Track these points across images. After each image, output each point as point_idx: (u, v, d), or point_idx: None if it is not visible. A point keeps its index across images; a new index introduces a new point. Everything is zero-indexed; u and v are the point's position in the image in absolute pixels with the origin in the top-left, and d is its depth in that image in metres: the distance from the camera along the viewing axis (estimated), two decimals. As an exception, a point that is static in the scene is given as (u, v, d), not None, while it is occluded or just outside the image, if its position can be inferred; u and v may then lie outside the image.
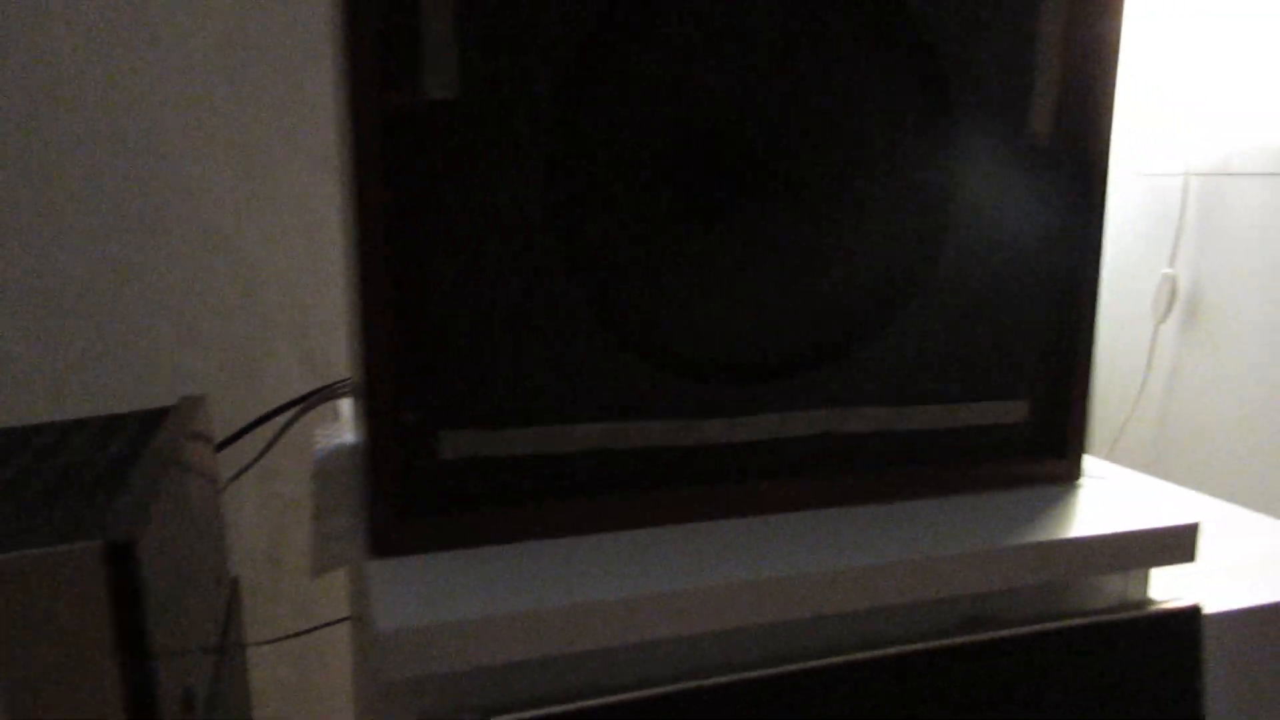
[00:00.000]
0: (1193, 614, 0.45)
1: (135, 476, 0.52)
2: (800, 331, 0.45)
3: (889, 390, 0.46)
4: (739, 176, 0.44)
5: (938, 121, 0.45)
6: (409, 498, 0.41)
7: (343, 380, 0.71)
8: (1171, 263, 0.98)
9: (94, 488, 0.52)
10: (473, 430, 0.41)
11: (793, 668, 0.39)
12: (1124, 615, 0.44)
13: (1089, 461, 0.54)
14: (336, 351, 0.84)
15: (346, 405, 0.69)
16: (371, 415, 0.39)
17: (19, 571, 0.37)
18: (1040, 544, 0.42)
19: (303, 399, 0.70)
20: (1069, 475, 0.49)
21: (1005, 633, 0.42)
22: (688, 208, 0.43)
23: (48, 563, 0.37)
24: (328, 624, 0.87)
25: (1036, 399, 0.49)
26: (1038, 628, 0.42)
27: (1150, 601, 0.46)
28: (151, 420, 0.64)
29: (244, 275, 0.82)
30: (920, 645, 0.41)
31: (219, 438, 0.80)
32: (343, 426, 0.65)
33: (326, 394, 0.70)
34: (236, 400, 0.82)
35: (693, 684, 0.37)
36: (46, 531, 0.41)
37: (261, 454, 0.71)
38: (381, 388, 0.39)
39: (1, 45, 0.73)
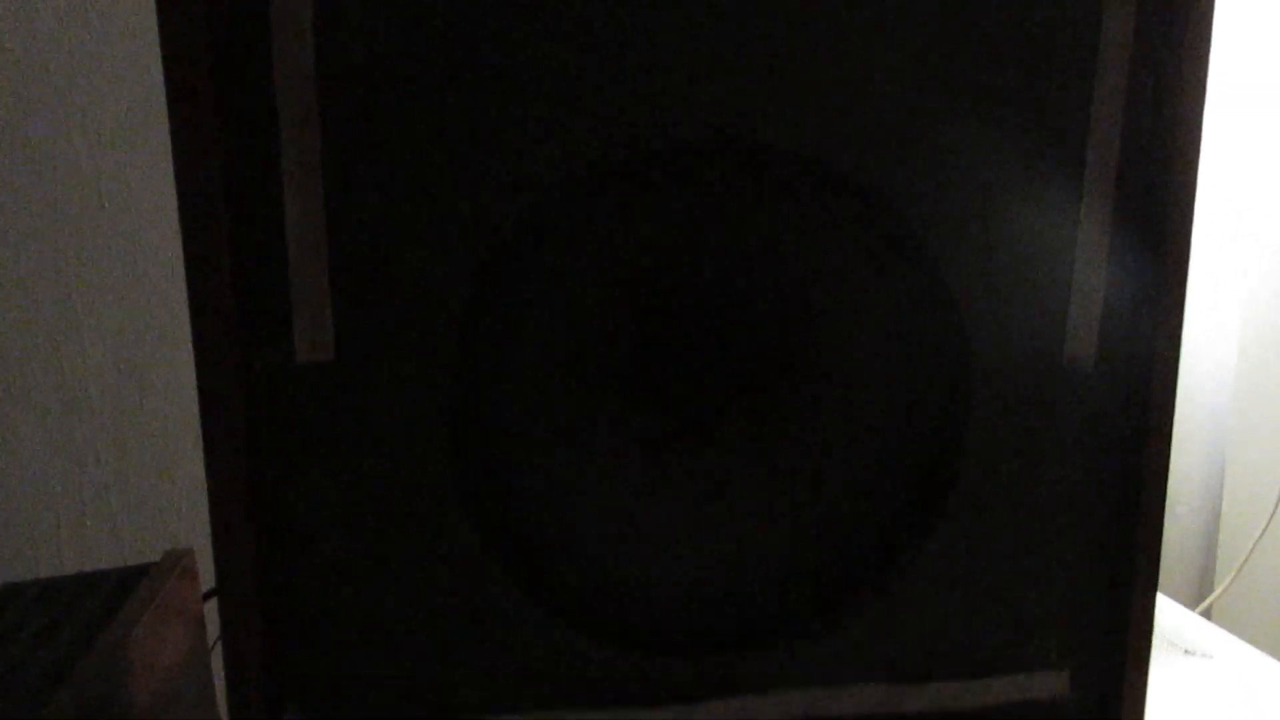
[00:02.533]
0: None
1: (87, 669, 0.48)
2: (775, 588, 0.38)
3: (888, 661, 0.38)
4: (693, 396, 0.36)
5: (947, 342, 0.36)
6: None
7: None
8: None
9: (50, 675, 0.48)
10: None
11: None
12: None
13: (1192, 623, 0.44)
14: None
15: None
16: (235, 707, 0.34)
17: None
18: None
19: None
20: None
21: None
22: (628, 440, 0.36)
23: None
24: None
25: (1079, 668, 0.39)
26: None
27: None
28: (129, 581, 0.61)
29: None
30: None
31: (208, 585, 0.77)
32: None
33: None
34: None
35: None
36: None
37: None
38: (244, 686, 0.33)
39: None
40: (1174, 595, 0.89)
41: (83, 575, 0.62)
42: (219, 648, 0.34)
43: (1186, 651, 0.56)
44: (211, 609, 0.38)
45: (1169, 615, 0.65)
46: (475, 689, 0.36)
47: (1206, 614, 0.89)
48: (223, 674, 0.34)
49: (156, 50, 0.30)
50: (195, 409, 0.61)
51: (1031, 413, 0.37)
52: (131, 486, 0.76)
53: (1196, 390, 0.91)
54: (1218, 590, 0.87)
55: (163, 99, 0.32)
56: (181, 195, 0.30)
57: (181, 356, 0.77)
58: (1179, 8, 0.34)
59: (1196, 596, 0.92)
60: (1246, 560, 0.84)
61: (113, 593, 0.60)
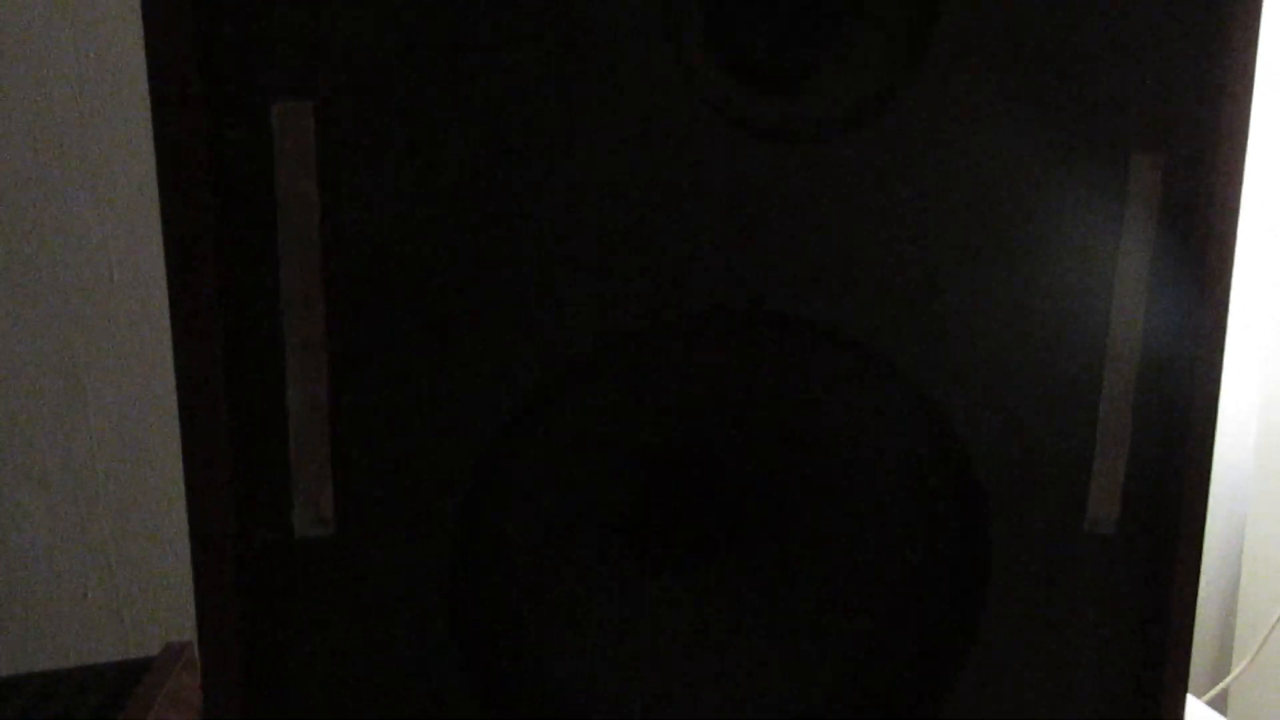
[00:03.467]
0: None
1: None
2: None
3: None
4: (700, 559, 0.35)
5: (964, 503, 0.35)
6: None
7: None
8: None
9: None
10: None
11: None
12: None
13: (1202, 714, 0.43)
14: None
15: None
16: None
17: None
18: None
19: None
20: None
21: None
22: (631, 608, 0.35)
23: None
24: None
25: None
26: None
27: None
28: (131, 674, 0.61)
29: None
30: None
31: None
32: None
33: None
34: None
35: None
36: None
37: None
38: None
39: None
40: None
41: (85, 668, 0.62)
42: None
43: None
44: None
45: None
46: None
47: (1220, 699, 0.87)
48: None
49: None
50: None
51: (1052, 573, 0.36)
52: (137, 566, 0.75)
53: (1214, 476, 0.90)
54: (1233, 674, 0.85)
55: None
56: (180, 374, 0.30)
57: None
58: (1208, 193, 0.33)
59: (1210, 681, 0.91)
60: (1262, 647, 0.83)
61: (116, 686, 0.60)
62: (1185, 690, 0.36)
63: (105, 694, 0.58)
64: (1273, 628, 0.82)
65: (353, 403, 0.31)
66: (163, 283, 0.76)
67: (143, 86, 0.75)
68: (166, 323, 0.76)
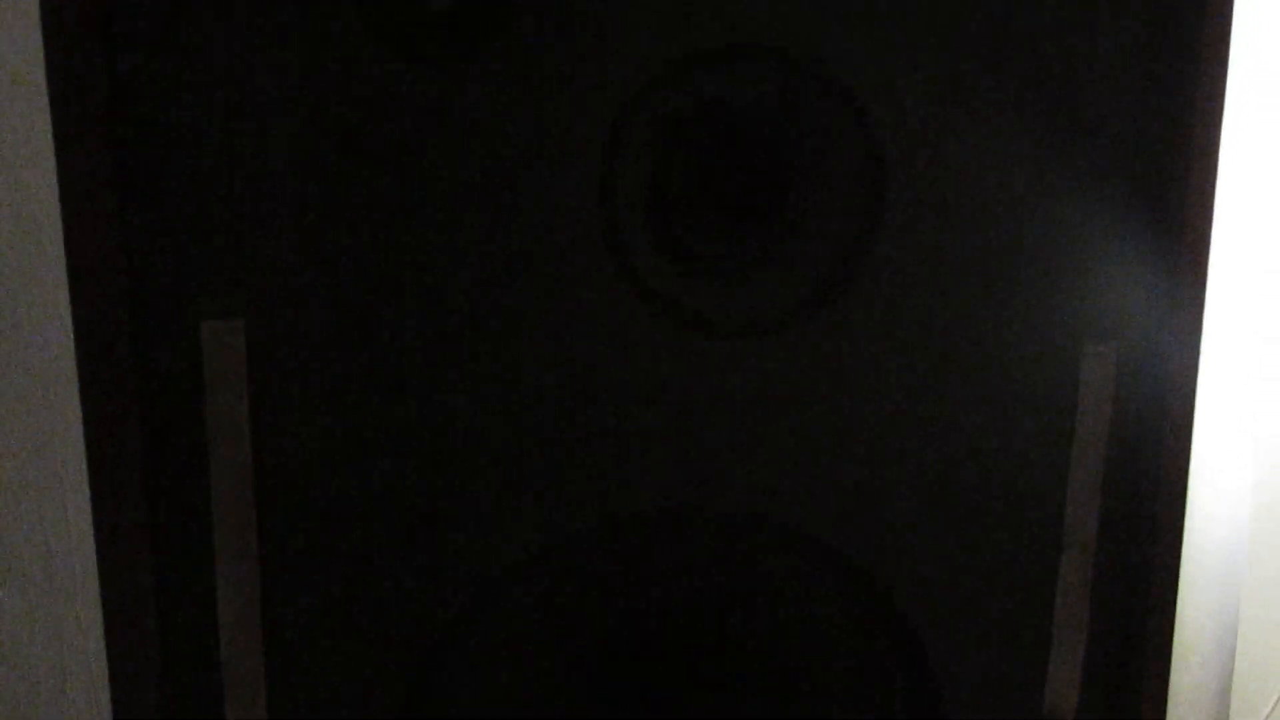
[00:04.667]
0: None
1: None
2: None
3: None
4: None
5: (918, 692, 0.35)
6: None
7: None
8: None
9: None
10: None
11: None
12: None
13: None
14: None
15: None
16: None
17: None
18: None
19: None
20: None
21: None
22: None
23: None
24: None
25: None
26: None
27: None
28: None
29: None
30: None
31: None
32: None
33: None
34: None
35: None
36: None
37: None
38: None
39: None
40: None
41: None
42: None
43: None
44: None
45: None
46: None
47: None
48: None
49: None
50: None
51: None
52: (112, 661, 0.75)
53: (1209, 546, 0.89)
54: (1228, 758, 0.84)
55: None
56: (105, 595, 0.29)
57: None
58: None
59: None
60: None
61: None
62: None
63: None
64: (1272, 709, 0.81)
65: (287, 616, 0.30)
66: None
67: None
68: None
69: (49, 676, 0.75)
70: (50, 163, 0.29)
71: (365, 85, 0.29)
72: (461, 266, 0.30)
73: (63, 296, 0.78)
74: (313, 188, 0.29)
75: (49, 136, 0.29)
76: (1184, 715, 0.96)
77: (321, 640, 0.31)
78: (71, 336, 0.81)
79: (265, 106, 0.28)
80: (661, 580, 0.33)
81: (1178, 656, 0.38)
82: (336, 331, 0.30)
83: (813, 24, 0.30)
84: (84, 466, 0.79)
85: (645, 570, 0.33)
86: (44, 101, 0.28)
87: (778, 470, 0.32)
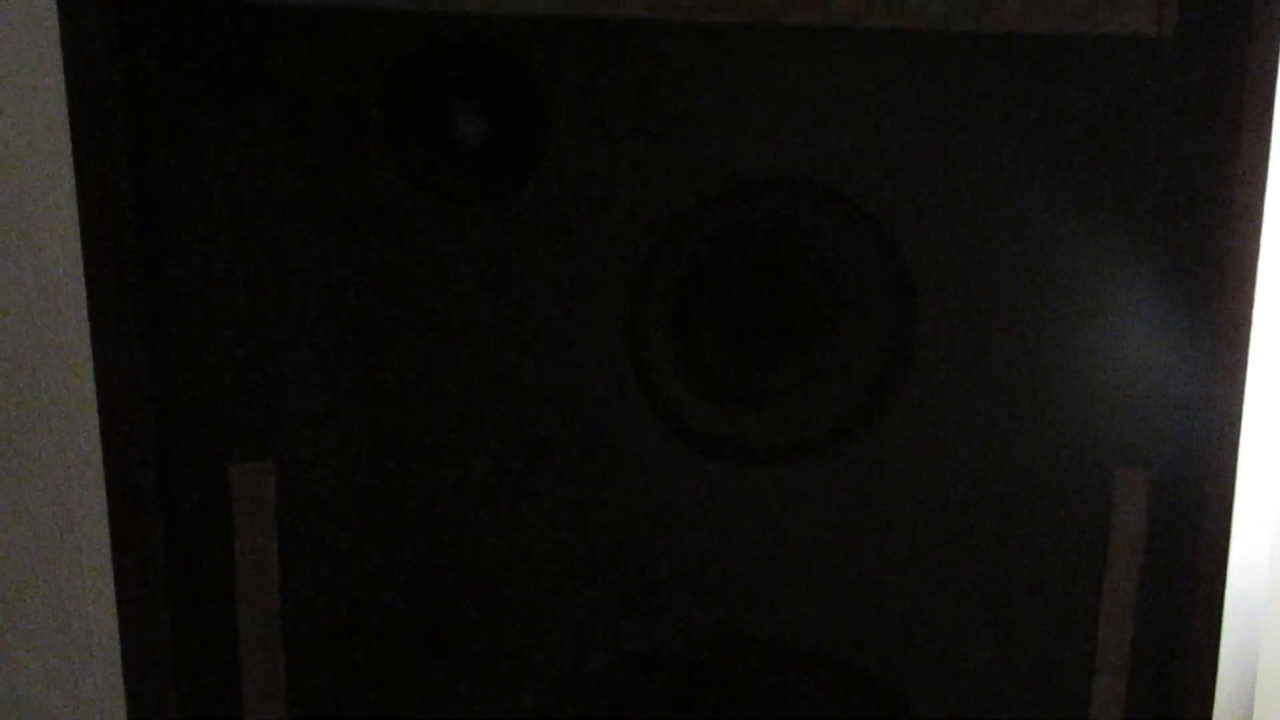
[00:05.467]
0: None
1: None
2: None
3: None
4: None
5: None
6: None
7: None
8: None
9: None
10: None
11: None
12: None
13: None
14: None
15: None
16: None
17: None
18: None
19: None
20: None
21: None
22: None
23: None
24: None
25: None
26: None
27: None
28: None
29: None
30: None
31: None
32: None
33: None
34: None
35: None
36: None
37: None
38: None
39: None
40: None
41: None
42: None
43: None
44: None
45: None
46: None
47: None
48: None
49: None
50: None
51: None
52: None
53: (1231, 591, 0.88)
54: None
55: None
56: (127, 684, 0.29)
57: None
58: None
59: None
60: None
61: None
62: None
63: None
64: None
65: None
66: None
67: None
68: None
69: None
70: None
71: (394, 224, 0.29)
72: (491, 401, 0.30)
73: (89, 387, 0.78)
74: (341, 328, 0.29)
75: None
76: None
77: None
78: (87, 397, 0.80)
79: (293, 249, 0.28)
80: (690, 706, 0.33)
81: None
82: (365, 470, 0.29)
83: (838, 154, 0.30)
84: (99, 525, 0.78)
85: (674, 696, 0.33)
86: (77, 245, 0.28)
87: (808, 594, 0.32)
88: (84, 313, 0.29)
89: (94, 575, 0.74)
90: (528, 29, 0.28)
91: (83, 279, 0.28)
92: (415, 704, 0.30)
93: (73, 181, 0.27)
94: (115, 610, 0.76)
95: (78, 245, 0.28)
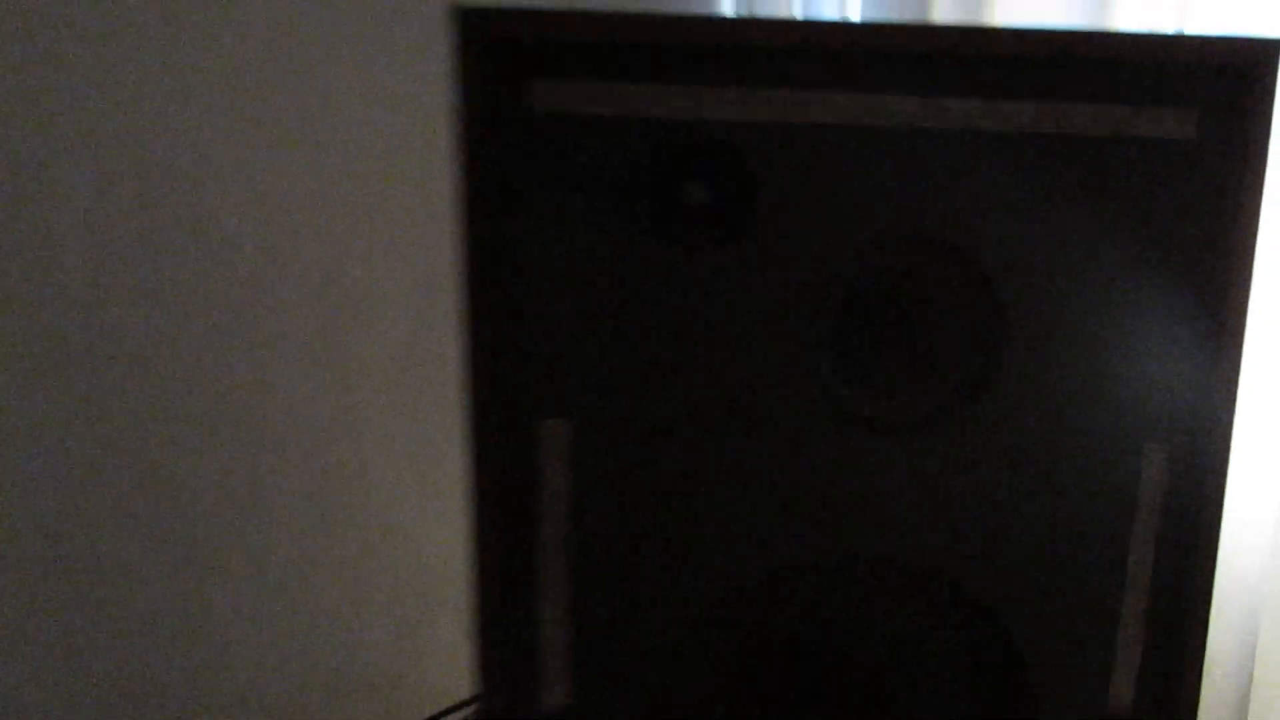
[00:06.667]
0: None
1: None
2: None
3: None
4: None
5: (1014, 696, 0.48)
6: None
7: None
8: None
9: None
10: None
11: None
12: None
13: None
14: None
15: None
16: None
17: None
18: None
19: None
20: None
21: None
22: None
23: None
24: None
25: None
26: None
27: None
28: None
29: (412, 570, 0.92)
30: None
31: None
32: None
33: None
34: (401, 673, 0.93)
35: None
36: None
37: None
38: None
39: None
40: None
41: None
42: None
43: None
44: None
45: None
46: None
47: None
48: None
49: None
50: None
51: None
52: (312, 659, 0.90)
53: (1232, 559, 1.00)
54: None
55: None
56: (475, 574, 0.43)
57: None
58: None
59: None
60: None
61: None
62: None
63: None
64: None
65: (587, 605, 0.44)
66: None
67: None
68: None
69: (261, 678, 0.90)
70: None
71: (653, 263, 0.43)
72: (716, 385, 0.44)
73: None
74: (617, 332, 0.43)
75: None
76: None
77: (605, 639, 0.45)
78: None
79: (585, 279, 0.42)
80: (829, 609, 0.47)
81: (1205, 670, 0.50)
82: (628, 429, 0.43)
83: (953, 218, 0.44)
84: (289, 480, 0.93)
85: (818, 602, 0.47)
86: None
87: (916, 526, 0.45)
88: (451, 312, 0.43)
89: (282, 523, 0.89)
90: (743, 131, 0.42)
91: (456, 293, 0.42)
92: (646, 595, 0.44)
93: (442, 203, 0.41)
94: (301, 546, 0.92)
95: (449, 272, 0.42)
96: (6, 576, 0.84)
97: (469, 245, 0.41)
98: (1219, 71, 0.44)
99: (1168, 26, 0.81)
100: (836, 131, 0.43)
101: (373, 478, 0.92)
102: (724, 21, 0.42)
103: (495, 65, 0.40)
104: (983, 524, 0.46)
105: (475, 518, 0.43)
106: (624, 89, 0.41)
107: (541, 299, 0.42)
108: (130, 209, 0.84)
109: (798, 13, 0.86)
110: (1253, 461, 1.05)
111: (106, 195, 0.82)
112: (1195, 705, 0.47)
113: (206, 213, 0.86)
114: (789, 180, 0.43)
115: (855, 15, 0.84)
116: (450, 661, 0.94)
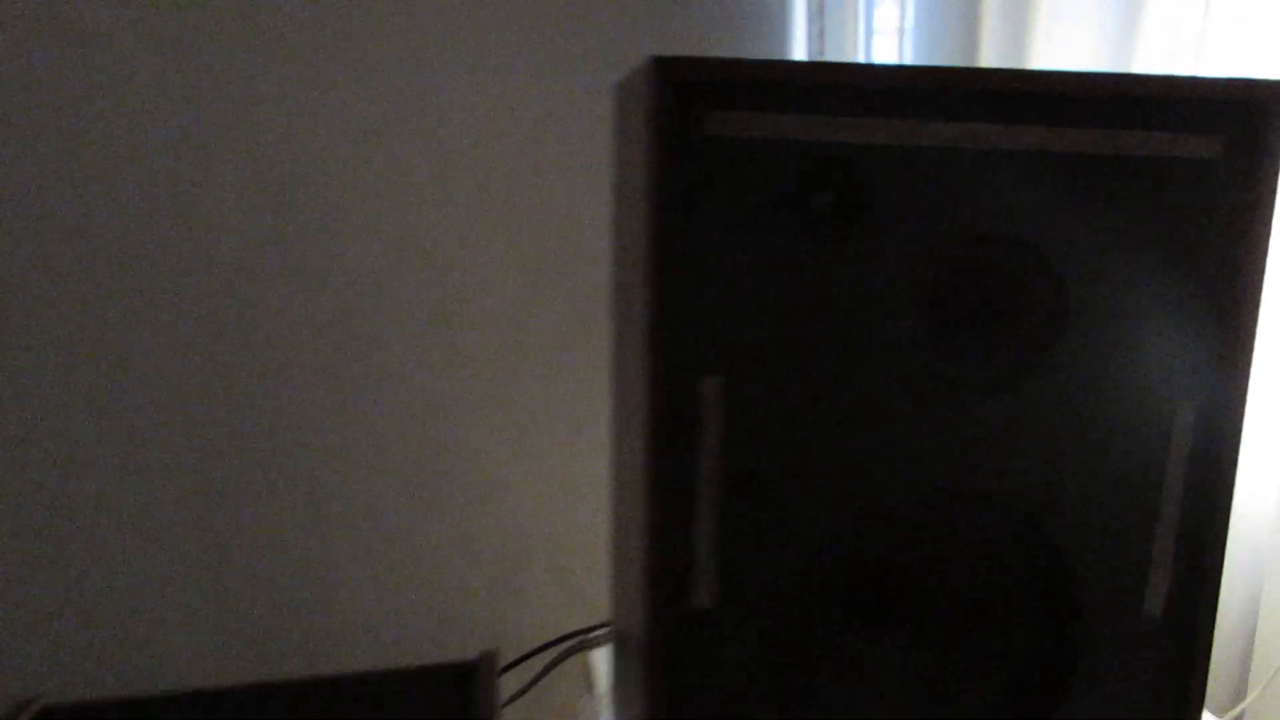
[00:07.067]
0: None
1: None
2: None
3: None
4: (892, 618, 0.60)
5: (1060, 599, 0.59)
6: None
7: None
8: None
9: None
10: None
11: None
12: None
13: None
14: (593, 583, 1.06)
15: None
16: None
17: None
18: None
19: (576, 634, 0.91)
20: None
21: None
22: (870, 637, 0.60)
23: None
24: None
25: None
26: None
27: None
28: (461, 678, 0.85)
29: (510, 524, 1.04)
30: None
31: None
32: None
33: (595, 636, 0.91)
34: (497, 615, 1.04)
35: None
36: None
37: (533, 683, 0.92)
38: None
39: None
40: (1209, 703, 1.10)
41: (414, 668, 0.87)
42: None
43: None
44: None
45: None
46: None
47: None
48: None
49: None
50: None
51: (1120, 648, 0.60)
52: (458, 572, 1.02)
53: (1238, 508, 1.12)
54: (1250, 698, 1.08)
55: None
56: (648, 499, 0.55)
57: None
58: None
59: (1230, 704, 1.13)
60: (1274, 677, 1.05)
61: (447, 685, 0.85)
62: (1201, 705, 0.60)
63: (448, 693, 0.83)
64: (1283, 663, 1.04)
65: (730, 529, 0.56)
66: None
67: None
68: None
69: (394, 596, 1.01)
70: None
71: (790, 253, 0.54)
72: (836, 354, 0.55)
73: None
74: (758, 306, 0.54)
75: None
76: (1215, 667, 1.20)
77: (748, 549, 0.56)
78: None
79: (736, 261, 0.53)
80: (921, 535, 0.58)
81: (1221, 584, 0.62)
82: (767, 384, 0.55)
83: (1023, 214, 0.55)
84: (461, 394, 1.05)
85: (913, 527, 0.58)
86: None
87: (1000, 466, 0.57)
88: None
89: (451, 435, 1.00)
90: (863, 150, 0.53)
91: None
92: (779, 520, 0.56)
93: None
94: (462, 468, 1.03)
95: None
96: (167, 534, 0.96)
97: (655, 240, 0.52)
98: (1240, 105, 0.55)
99: (1188, 64, 0.93)
100: (935, 151, 0.54)
101: (475, 444, 1.03)
102: (848, 66, 0.53)
103: (680, 100, 0.51)
104: (1046, 463, 0.57)
105: (649, 453, 0.54)
106: (774, 117, 0.52)
107: (704, 283, 0.54)
108: (275, 204, 0.95)
109: (861, 50, 0.98)
110: (1256, 442, 1.17)
111: (255, 190, 0.94)
112: (1214, 610, 0.59)
113: (337, 210, 0.97)
114: (899, 189, 0.54)
115: (909, 55, 0.95)
116: (541, 604, 1.06)
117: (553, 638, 1.02)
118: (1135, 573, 0.59)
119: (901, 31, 0.95)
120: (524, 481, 1.04)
